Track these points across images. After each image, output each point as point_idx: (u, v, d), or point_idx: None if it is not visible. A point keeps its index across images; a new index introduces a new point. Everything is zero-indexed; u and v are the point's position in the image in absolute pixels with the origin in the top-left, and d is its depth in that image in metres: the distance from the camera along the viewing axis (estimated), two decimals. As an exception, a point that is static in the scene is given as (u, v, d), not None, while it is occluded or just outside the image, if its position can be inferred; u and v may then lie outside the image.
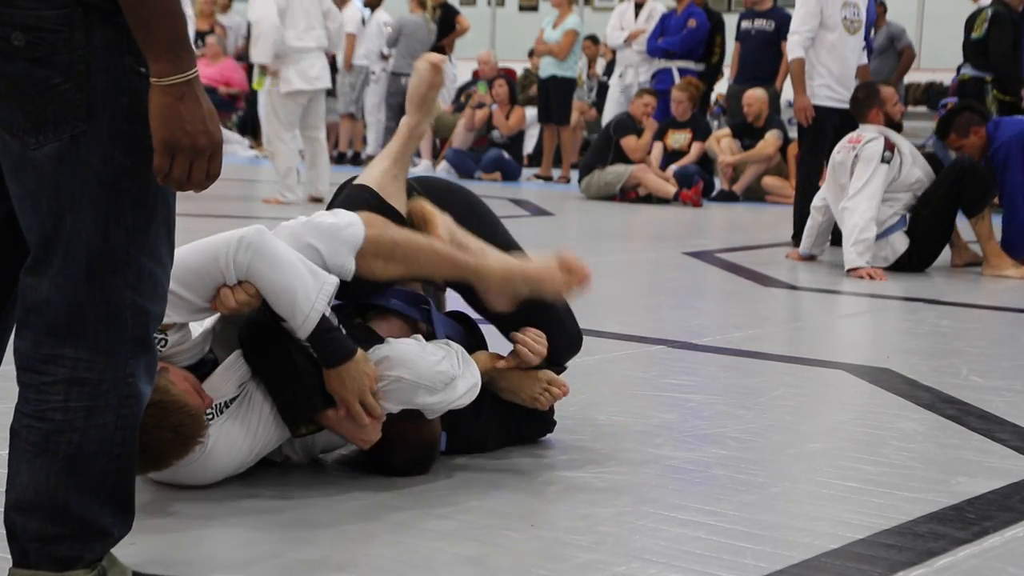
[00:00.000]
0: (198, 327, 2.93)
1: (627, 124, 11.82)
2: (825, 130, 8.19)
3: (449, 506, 2.85)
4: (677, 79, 12.63)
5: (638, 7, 13.37)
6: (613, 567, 2.52)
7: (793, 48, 8.20)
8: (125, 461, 2.09)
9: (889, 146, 7.24)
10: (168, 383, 2.69)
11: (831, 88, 8.16)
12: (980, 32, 10.81)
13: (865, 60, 8.68)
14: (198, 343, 2.90)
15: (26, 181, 1.98)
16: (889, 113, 7.46)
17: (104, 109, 1.96)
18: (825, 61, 8.16)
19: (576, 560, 2.55)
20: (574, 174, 12.65)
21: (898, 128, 7.52)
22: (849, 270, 7.07)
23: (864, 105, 7.49)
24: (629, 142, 11.63)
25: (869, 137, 7.32)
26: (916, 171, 7.36)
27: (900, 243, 7.34)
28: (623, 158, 11.66)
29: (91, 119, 1.96)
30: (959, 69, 11.26)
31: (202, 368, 2.90)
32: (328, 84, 9.99)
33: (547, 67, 13.24)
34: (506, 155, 13.62)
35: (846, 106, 8.21)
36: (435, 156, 14.38)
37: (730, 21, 13.39)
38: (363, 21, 14.76)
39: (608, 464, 3.25)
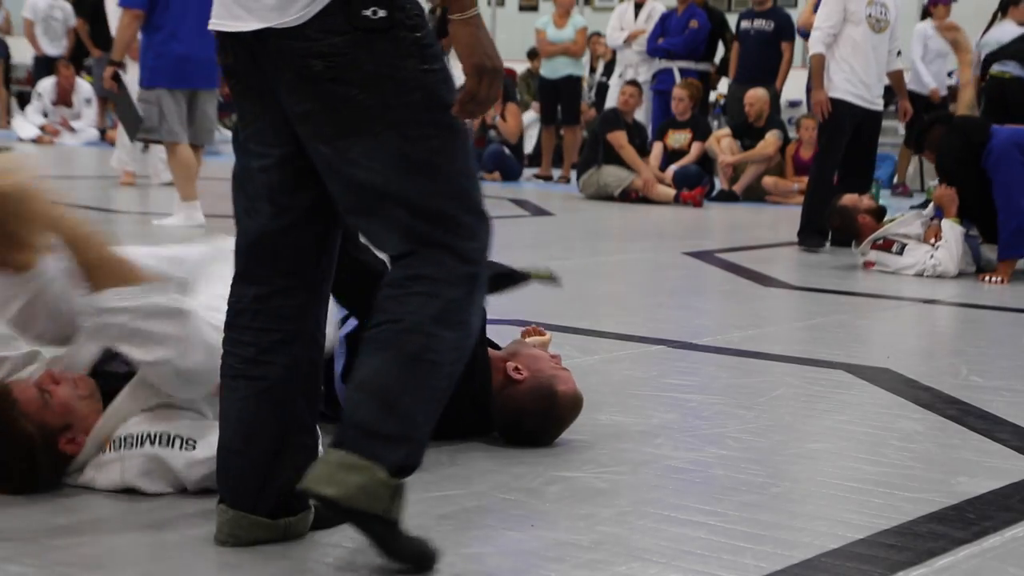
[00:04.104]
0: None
1: (612, 119, 11.78)
2: (843, 126, 8.13)
3: (449, 506, 2.85)
4: (679, 79, 12.63)
5: (638, 7, 13.36)
6: (613, 567, 2.52)
7: (814, 44, 8.16)
8: (445, 391, 2.40)
9: None
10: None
11: (853, 84, 8.12)
12: None
13: (898, 65, 8.62)
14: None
15: (347, 178, 2.37)
16: None
17: (402, 107, 2.33)
18: (848, 57, 8.10)
19: (576, 560, 2.55)
20: (574, 174, 12.64)
21: None
22: None
23: None
24: (616, 138, 11.58)
25: None
26: None
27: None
28: (615, 155, 11.62)
29: (391, 117, 2.32)
30: (986, 66, 10.95)
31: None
32: None
33: (561, 67, 13.14)
34: (507, 151, 13.59)
35: (867, 104, 8.19)
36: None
37: (730, 21, 13.39)
38: None
39: (608, 464, 3.25)
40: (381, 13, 2.30)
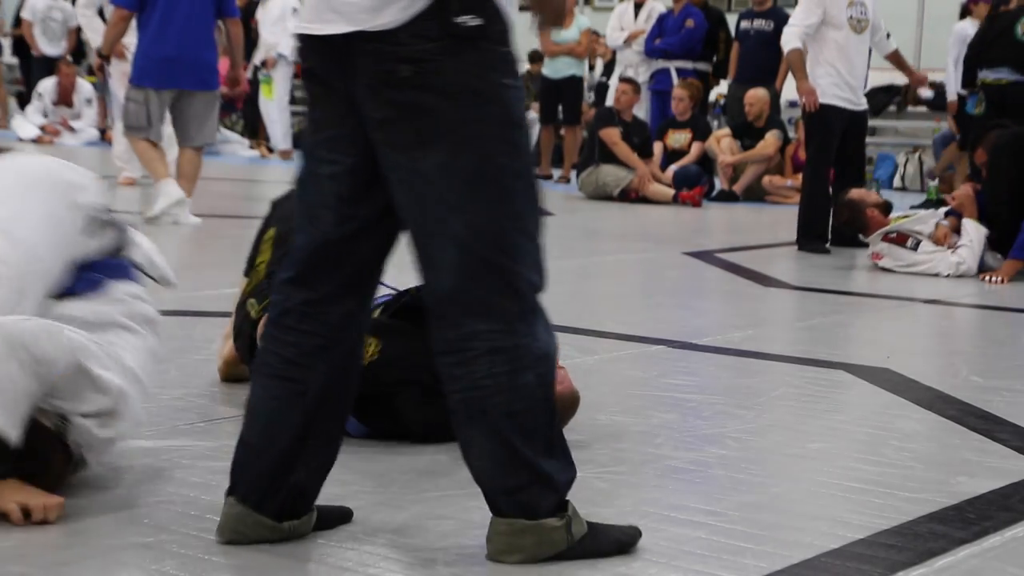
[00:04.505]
0: None
1: (606, 116, 11.81)
2: (833, 129, 8.17)
3: (449, 506, 2.85)
4: (675, 79, 12.63)
5: (638, 7, 13.36)
6: (613, 567, 2.52)
7: (790, 39, 8.18)
8: (551, 415, 2.46)
9: None
10: None
11: (839, 88, 8.15)
12: None
13: (893, 46, 8.67)
14: None
15: (415, 190, 2.36)
16: None
17: (479, 120, 2.33)
18: (832, 60, 8.13)
19: (576, 559, 2.55)
20: (573, 174, 12.64)
21: None
22: None
23: None
24: (608, 135, 11.59)
25: None
26: None
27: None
28: (612, 154, 11.61)
29: (468, 131, 2.33)
30: (968, 71, 10.94)
31: None
32: None
33: (565, 68, 13.13)
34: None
35: (853, 106, 8.22)
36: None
37: (729, 20, 13.39)
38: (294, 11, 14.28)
39: (608, 464, 3.25)
40: (474, 22, 2.31)
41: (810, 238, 8.21)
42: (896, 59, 8.73)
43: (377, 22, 2.31)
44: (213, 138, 8.38)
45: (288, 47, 14.04)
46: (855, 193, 7.78)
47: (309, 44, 2.43)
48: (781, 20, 12.40)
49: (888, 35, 8.63)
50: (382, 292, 3.51)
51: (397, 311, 3.46)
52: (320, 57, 2.42)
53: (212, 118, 8.30)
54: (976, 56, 10.77)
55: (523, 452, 2.42)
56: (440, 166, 2.33)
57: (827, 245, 8.25)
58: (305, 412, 2.51)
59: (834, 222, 8.14)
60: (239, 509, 2.53)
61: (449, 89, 2.31)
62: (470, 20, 2.30)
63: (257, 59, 14.82)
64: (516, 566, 2.49)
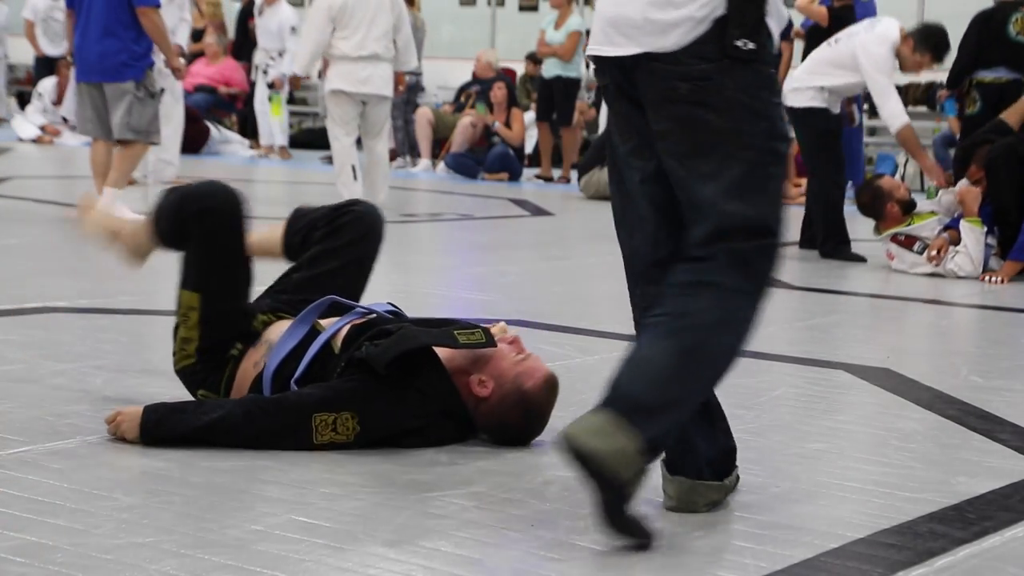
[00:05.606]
0: None
1: None
2: (835, 130, 8.23)
3: (449, 506, 2.85)
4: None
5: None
6: (613, 567, 2.53)
7: (898, 115, 7.99)
8: (707, 389, 2.71)
9: None
10: None
11: (834, 99, 8.19)
12: None
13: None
14: None
15: (689, 195, 2.62)
16: None
17: (747, 135, 2.58)
18: (837, 88, 8.17)
19: (576, 560, 2.55)
20: (574, 174, 12.63)
21: None
22: None
23: None
24: None
25: None
26: None
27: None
28: None
29: (736, 144, 2.58)
30: (959, 72, 10.95)
31: None
32: (381, 91, 9.63)
33: (551, 68, 13.18)
34: (511, 152, 13.56)
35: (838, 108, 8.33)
36: (435, 156, 14.33)
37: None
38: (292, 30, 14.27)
39: (608, 464, 3.25)
40: (751, 45, 2.57)
41: (838, 244, 8.16)
42: None
43: (661, 44, 2.59)
44: (127, 133, 8.10)
45: (289, 67, 14.14)
46: (886, 182, 7.85)
47: (602, 64, 2.72)
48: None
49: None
50: (333, 320, 3.48)
51: (374, 335, 3.37)
52: (612, 75, 2.70)
53: (120, 111, 7.98)
54: (972, 58, 10.78)
55: (674, 390, 2.57)
56: (713, 173, 2.58)
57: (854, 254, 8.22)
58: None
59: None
60: (691, 484, 2.85)
61: (724, 106, 2.57)
62: (747, 44, 2.56)
63: (258, 60, 14.82)
64: (515, 556, 2.49)
